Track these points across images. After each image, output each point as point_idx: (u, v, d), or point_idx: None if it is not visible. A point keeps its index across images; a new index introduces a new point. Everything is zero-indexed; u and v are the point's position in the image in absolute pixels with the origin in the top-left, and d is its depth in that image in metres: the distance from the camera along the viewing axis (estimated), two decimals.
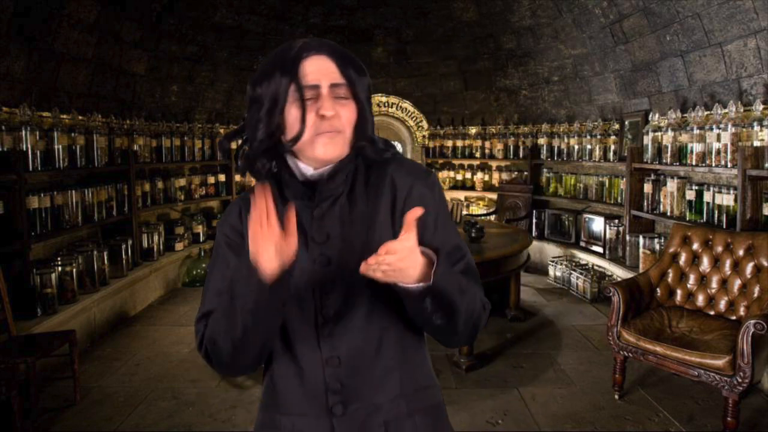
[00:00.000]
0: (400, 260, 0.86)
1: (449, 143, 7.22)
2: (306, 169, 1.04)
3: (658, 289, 3.39)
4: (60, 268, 3.77)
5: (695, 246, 3.37)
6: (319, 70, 0.99)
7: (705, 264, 3.31)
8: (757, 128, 3.42)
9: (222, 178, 6.50)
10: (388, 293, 0.99)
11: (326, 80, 0.98)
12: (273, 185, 1.04)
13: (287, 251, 0.89)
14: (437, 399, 1.11)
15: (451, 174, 7.36)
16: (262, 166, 1.04)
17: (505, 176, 6.88)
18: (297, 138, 0.98)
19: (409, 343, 1.08)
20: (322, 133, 0.98)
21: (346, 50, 1.04)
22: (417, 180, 1.06)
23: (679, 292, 3.38)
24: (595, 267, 5.37)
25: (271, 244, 0.86)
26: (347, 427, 1.02)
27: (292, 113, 0.98)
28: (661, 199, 4.49)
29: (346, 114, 1.00)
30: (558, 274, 5.63)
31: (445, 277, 0.93)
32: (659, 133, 4.37)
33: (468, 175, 7.27)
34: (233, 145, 1.15)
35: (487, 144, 7.00)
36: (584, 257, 5.63)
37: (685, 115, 4.28)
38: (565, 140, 6.05)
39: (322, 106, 0.97)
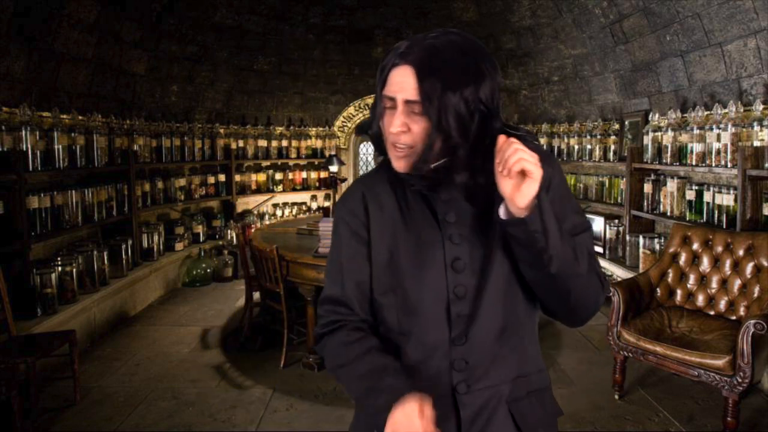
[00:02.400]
0: (522, 150, 0.90)
1: None
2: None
3: (658, 289, 3.39)
4: (60, 268, 3.77)
5: (695, 246, 3.37)
6: (399, 84, 0.99)
7: (705, 264, 3.31)
8: (757, 128, 3.42)
9: (222, 178, 6.50)
10: (516, 274, 1.04)
11: (402, 95, 0.99)
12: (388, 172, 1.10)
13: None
14: (548, 382, 1.15)
15: None
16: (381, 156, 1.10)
17: None
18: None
19: (529, 328, 1.11)
20: (394, 145, 1.02)
21: (451, 56, 0.98)
22: (545, 160, 1.02)
23: (679, 292, 3.38)
24: None
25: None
26: (471, 406, 1.03)
27: (381, 120, 1.05)
28: (661, 199, 4.49)
29: (417, 129, 1.00)
30: None
31: (558, 209, 0.98)
32: (659, 133, 4.37)
33: None
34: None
35: None
36: None
37: (685, 115, 4.28)
38: (565, 140, 6.05)
39: (391, 122, 1.01)
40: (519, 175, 0.91)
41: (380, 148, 1.09)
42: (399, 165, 1.03)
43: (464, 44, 1.00)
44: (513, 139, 0.92)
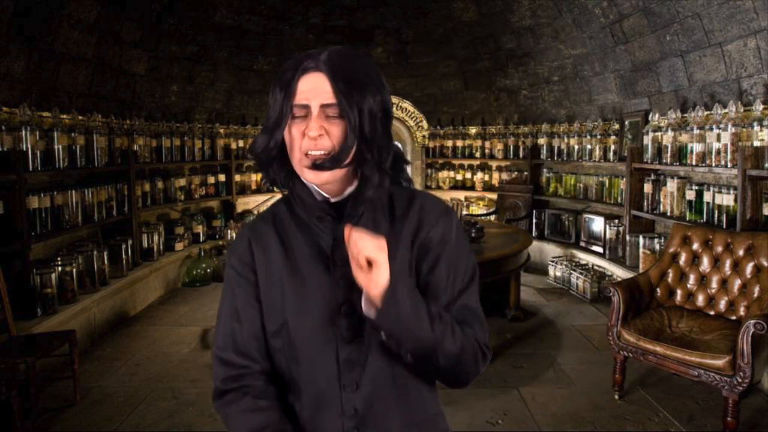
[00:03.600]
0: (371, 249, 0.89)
1: (449, 143, 7.22)
2: (323, 193, 1.05)
3: (658, 289, 3.39)
4: (60, 268, 3.77)
5: (695, 246, 3.37)
6: (312, 89, 0.97)
7: (705, 264, 3.31)
8: (757, 128, 3.42)
9: (222, 178, 6.50)
10: None
11: (317, 100, 0.97)
12: (283, 205, 1.09)
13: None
14: (444, 426, 1.13)
15: (451, 174, 7.36)
16: (274, 174, 1.05)
17: (505, 176, 6.88)
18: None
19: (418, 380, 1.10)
20: (306, 154, 0.97)
21: (359, 66, 1.00)
22: (442, 217, 1.08)
23: (679, 292, 3.38)
24: (595, 267, 5.36)
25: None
26: None
27: (288, 132, 1.00)
28: (661, 199, 4.49)
29: (336, 133, 0.98)
30: (558, 274, 5.63)
31: (405, 310, 0.92)
32: (659, 133, 4.37)
33: (468, 175, 7.27)
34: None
35: (487, 144, 7.00)
36: (584, 257, 5.63)
37: (685, 115, 4.28)
38: (565, 140, 6.05)
39: (308, 126, 0.97)
40: (368, 265, 0.90)
41: (271, 169, 1.05)
42: (319, 178, 0.99)
43: (362, 55, 1.03)
44: (355, 229, 0.91)
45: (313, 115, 0.97)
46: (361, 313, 0.97)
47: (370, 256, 0.89)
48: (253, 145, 1.05)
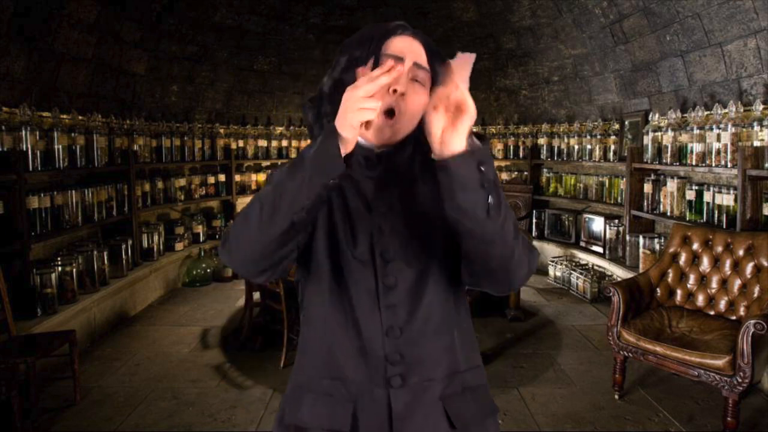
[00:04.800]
0: (456, 90, 0.86)
1: None
2: (367, 143, 1.04)
3: (658, 289, 3.39)
4: (60, 268, 3.77)
5: (695, 246, 3.37)
6: (408, 47, 0.99)
7: (705, 264, 3.31)
8: (757, 128, 3.42)
9: (222, 178, 6.50)
10: (449, 266, 1.01)
11: (411, 56, 0.98)
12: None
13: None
14: (484, 379, 1.13)
15: None
16: (323, 116, 1.03)
17: (505, 176, 6.88)
18: None
19: (465, 323, 1.10)
20: (380, 111, 0.95)
21: (440, 50, 1.03)
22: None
23: (679, 292, 3.38)
24: (595, 267, 5.36)
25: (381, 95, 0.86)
26: (404, 399, 1.01)
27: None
28: (661, 199, 4.49)
29: (414, 99, 0.98)
30: (558, 274, 5.63)
31: (491, 166, 0.91)
32: (659, 133, 4.37)
33: None
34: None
35: None
36: (584, 257, 5.63)
37: (685, 115, 4.28)
38: (565, 140, 6.05)
39: (396, 81, 0.95)
40: (453, 112, 0.87)
41: (323, 106, 1.03)
42: (381, 137, 0.99)
43: None
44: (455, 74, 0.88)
45: (404, 72, 0.97)
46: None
47: (462, 98, 0.85)
48: (330, 87, 1.03)
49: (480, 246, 0.94)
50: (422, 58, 0.99)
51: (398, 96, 0.97)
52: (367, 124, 0.96)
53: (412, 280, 1.02)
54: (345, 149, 0.88)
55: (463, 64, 0.87)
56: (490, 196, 0.89)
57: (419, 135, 0.99)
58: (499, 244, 0.94)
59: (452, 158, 0.87)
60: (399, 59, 0.97)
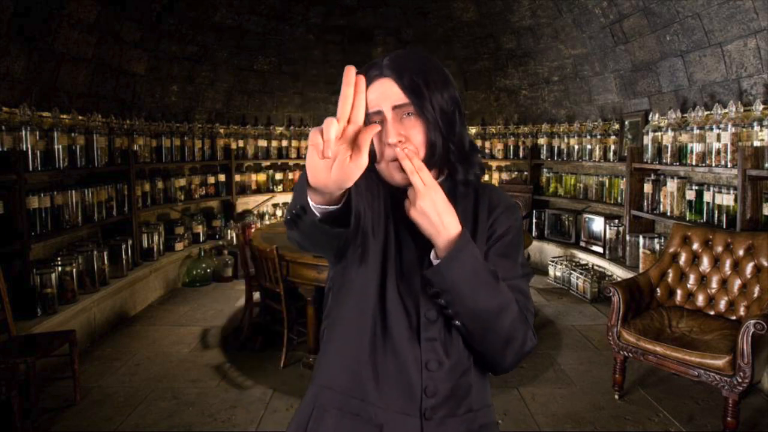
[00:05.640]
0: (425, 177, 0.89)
1: None
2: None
3: (658, 289, 3.39)
4: (60, 268, 3.77)
5: (695, 246, 3.37)
6: (382, 94, 0.98)
7: (705, 264, 3.31)
8: (757, 128, 3.42)
9: (222, 178, 6.50)
10: None
11: (388, 103, 0.97)
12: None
13: (348, 169, 0.79)
14: (494, 418, 1.15)
15: None
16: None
17: (505, 176, 6.88)
18: (373, 166, 1.01)
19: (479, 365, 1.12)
20: (393, 160, 0.98)
21: (422, 64, 1.01)
22: (509, 209, 1.11)
23: (679, 292, 3.38)
24: (595, 267, 5.36)
25: (327, 143, 0.75)
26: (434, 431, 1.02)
27: None
28: (661, 199, 4.49)
29: (416, 135, 0.99)
30: (558, 274, 5.63)
31: (471, 265, 0.93)
32: (659, 133, 4.37)
33: None
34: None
35: (487, 144, 7.00)
36: (584, 257, 5.63)
37: (685, 115, 4.28)
38: (565, 140, 6.05)
39: (386, 133, 0.97)
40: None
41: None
42: (401, 177, 0.99)
43: (422, 54, 1.04)
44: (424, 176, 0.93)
45: (389, 121, 0.97)
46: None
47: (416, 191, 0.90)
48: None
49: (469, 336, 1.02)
50: (399, 97, 0.98)
51: (397, 144, 0.97)
52: (387, 166, 1.00)
53: (447, 317, 1.03)
54: (317, 196, 0.84)
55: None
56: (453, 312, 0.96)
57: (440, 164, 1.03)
58: (477, 342, 1.01)
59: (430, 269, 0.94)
60: (377, 114, 0.98)
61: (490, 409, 1.12)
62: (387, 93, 0.97)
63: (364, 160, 0.80)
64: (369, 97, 0.98)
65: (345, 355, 1.07)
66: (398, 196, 1.04)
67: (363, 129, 0.81)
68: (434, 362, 1.02)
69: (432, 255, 0.98)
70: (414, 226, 1.02)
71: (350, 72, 0.78)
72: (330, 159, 0.77)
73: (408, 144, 0.98)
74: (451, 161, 1.03)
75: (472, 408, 1.07)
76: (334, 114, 0.78)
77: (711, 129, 3.76)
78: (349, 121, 0.78)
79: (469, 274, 0.94)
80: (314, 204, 0.85)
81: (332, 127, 0.75)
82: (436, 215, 0.94)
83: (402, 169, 0.96)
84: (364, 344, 1.04)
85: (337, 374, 1.07)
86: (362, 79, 0.79)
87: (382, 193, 1.07)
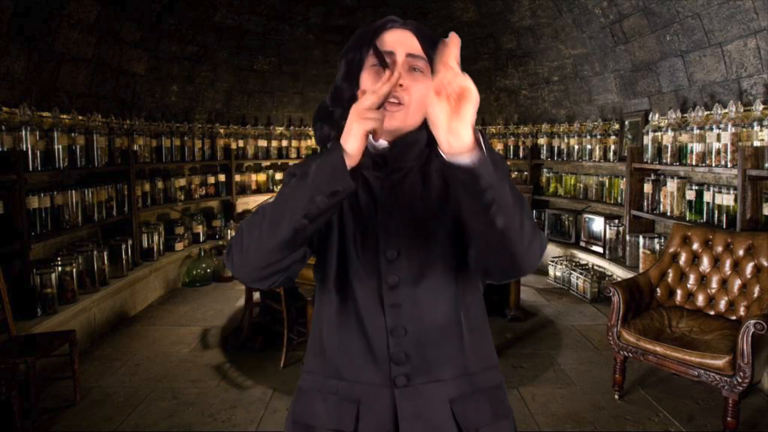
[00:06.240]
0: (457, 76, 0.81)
1: None
2: (377, 142, 1.03)
3: (658, 289, 3.39)
4: (60, 268, 3.77)
5: (695, 246, 3.37)
6: (399, 40, 0.99)
7: (705, 264, 3.31)
8: (757, 128, 3.42)
9: (222, 178, 6.50)
10: (456, 264, 1.00)
11: (402, 48, 0.98)
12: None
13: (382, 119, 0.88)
14: (499, 379, 1.11)
15: None
16: (328, 130, 1.04)
17: None
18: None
19: (477, 323, 1.08)
20: (386, 106, 0.95)
21: (433, 32, 1.04)
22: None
23: (679, 292, 3.38)
24: (595, 267, 5.36)
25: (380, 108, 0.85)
26: (409, 400, 1.00)
27: (364, 78, 1.00)
28: (661, 199, 4.49)
29: (418, 88, 0.98)
30: (558, 274, 5.63)
31: (497, 161, 0.87)
32: (659, 133, 4.37)
33: None
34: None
35: None
36: (584, 257, 5.63)
37: (685, 115, 4.28)
38: (565, 140, 6.05)
39: (379, 79, 0.95)
40: (455, 98, 0.82)
41: (329, 121, 1.04)
42: (388, 123, 0.97)
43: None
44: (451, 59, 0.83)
45: (398, 63, 0.97)
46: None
47: (465, 84, 0.80)
48: (331, 93, 1.05)
49: (495, 237, 0.90)
50: (415, 47, 0.99)
51: (399, 89, 0.97)
52: (375, 134, 0.97)
53: (416, 280, 1.01)
54: (350, 162, 0.88)
55: (453, 46, 0.83)
56: (509, 188, 0.86)
57: (427, 131, 0.97)
58: (516, 235, 0.90)
59: (467, 155, 0.82)
60: (390, 53, 0.98)
61: (491, 372, 1.08)
62: (404, 41, 0.99)
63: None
64: (385, 39, 0.99)
65: (316, 336, 1.08)
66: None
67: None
68: (400, 329, 1.00)
69: (446, 152, 0.84)
70: (366, 186, 1.03)
71: (391, 73, 0.88)
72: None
73: (403, 94, 0.97)
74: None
75: (467, 371, 1.04)
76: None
77: (711, 129, 3.76)
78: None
79: (501, 164, 0.89)
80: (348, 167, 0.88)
81: (384, 85, 0.87)
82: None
83: (389, 116, 0.96)
84: (331, 322, 1.04)
85: (314, 356, 1.08)
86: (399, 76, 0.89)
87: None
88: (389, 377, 1.00)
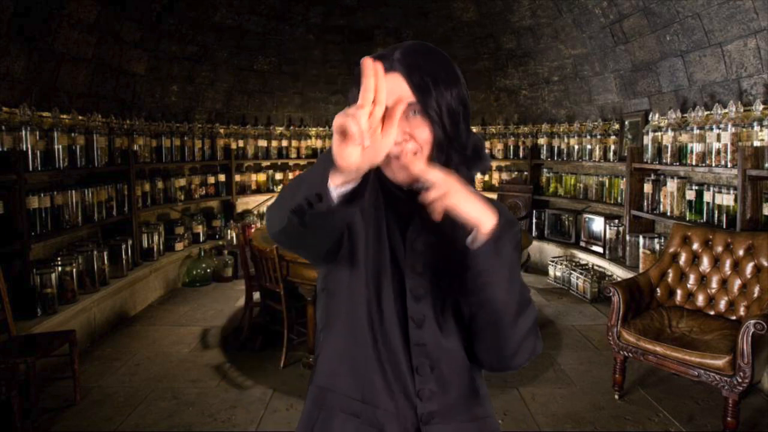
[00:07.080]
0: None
1: None
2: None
3: (658, 289, 3.39)
4: (60, 268, 3.77)
5: (695, 246, 3.37)
6: (390, 90, 0.95)
7: (705, 264, 3.31)
8: (757, 128, 3.42)
9: (222, 178, 6.50)
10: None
11: (394, 98, 0.94)
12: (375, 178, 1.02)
13: (380, 145, 0.80)
14: (497, 427, 1.13)
15: None
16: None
17: (505, 176, 6.88)
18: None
19: (478, 373, 1.10)
20: (397, 157, 0.96)
21: (433, 61, 0.99)
22: (508, 224, 1.06)
23: (679, 292, 3.38)
24: (595, 267, 5.36)
25: (362, 133, 0.75)
26: None
27: None
28: (661, 199, 4.49)
29: (420, 134, 0.97)
30: (558, 274, 5.63)
31: (506, 255, 0.91)
32: (659, 133, 4.37)
33: None
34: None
35: (487, 144, 7.00)
36: (584, 257, 5.63)
37: (685, 115, 4.28)
38: (565, 140, 6.05)
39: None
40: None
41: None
42: (404, 177, 0.98)
43: (435, 49, 1.02)
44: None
45: (395, 117, 0.95)
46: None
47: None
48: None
49: (483, 321, 0.98)
50: (407, 95, 0.96)
51: (402, 143, 0.96)
52: (390, 162, 0.97)
53: (439, 321, 1.02)
54: (342, 178, 0.83)
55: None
56: (508, 283, 0.91)
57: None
58: (505, 333, 0.97)
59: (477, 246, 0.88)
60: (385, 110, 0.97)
61: (490, 421, 1.11)
62: (395, 89, 0.96)
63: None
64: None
65: (344, 357, 1.06)
66: (388, 192, 1.03)
67: (390, 106, 0.81)
68: (425, 367, 1.01)
69: (470, 239, 0.91)
70: (400, 224, 1.02)
71: (369, 63, 0.79)
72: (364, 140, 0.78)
73: (411, 141, 0.98)
74: (455, 161, 1.02)
75: (478, 416, 1.06)
76: (334, 113, 0.78)
77: (711, 129, 3.76)
78: (374, 104, 0.79)
79: (510, 258, 0.92)
80: (334, 186, 0.84)
81: (362, 117, 0.76)
82: (480, 197, 0.92)
83: (398, 169, 0.96)
84: (362, 346, 1.03)
85: (338, 376, 1.07)
86: (380, 65, 0.80)
87: (373, 188, 1.04)
88: (415, 412, 1.01)
